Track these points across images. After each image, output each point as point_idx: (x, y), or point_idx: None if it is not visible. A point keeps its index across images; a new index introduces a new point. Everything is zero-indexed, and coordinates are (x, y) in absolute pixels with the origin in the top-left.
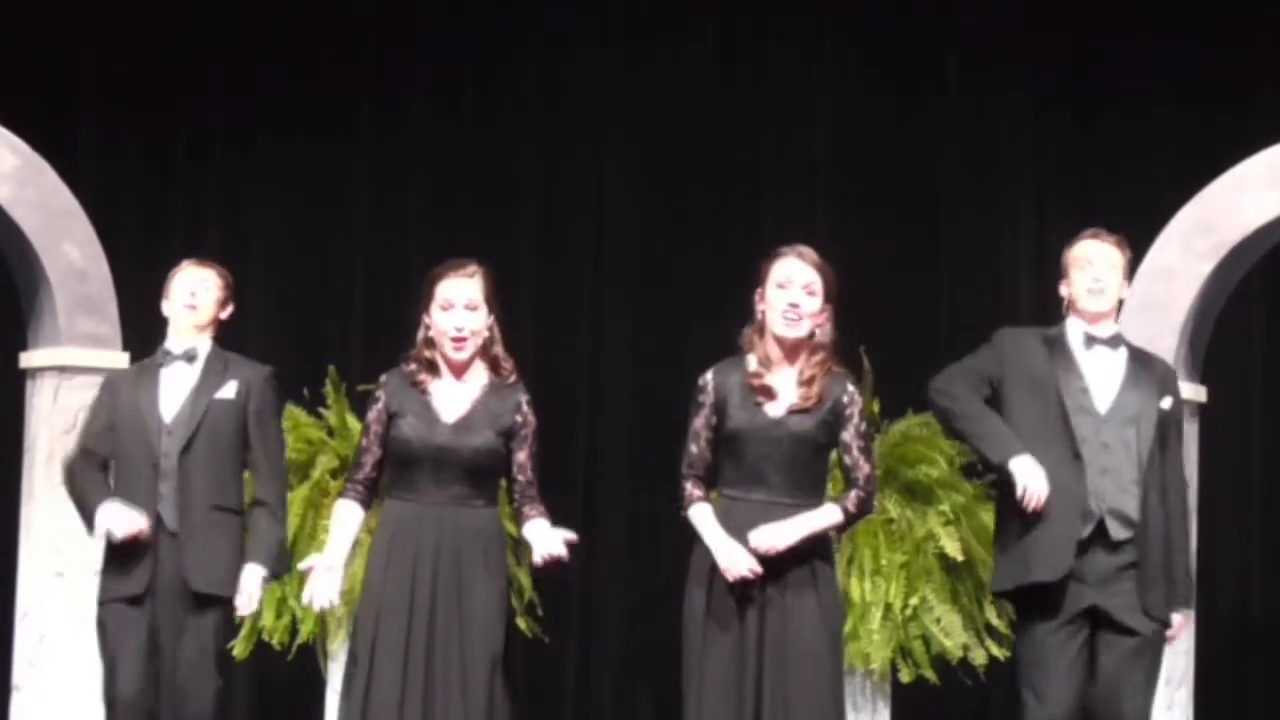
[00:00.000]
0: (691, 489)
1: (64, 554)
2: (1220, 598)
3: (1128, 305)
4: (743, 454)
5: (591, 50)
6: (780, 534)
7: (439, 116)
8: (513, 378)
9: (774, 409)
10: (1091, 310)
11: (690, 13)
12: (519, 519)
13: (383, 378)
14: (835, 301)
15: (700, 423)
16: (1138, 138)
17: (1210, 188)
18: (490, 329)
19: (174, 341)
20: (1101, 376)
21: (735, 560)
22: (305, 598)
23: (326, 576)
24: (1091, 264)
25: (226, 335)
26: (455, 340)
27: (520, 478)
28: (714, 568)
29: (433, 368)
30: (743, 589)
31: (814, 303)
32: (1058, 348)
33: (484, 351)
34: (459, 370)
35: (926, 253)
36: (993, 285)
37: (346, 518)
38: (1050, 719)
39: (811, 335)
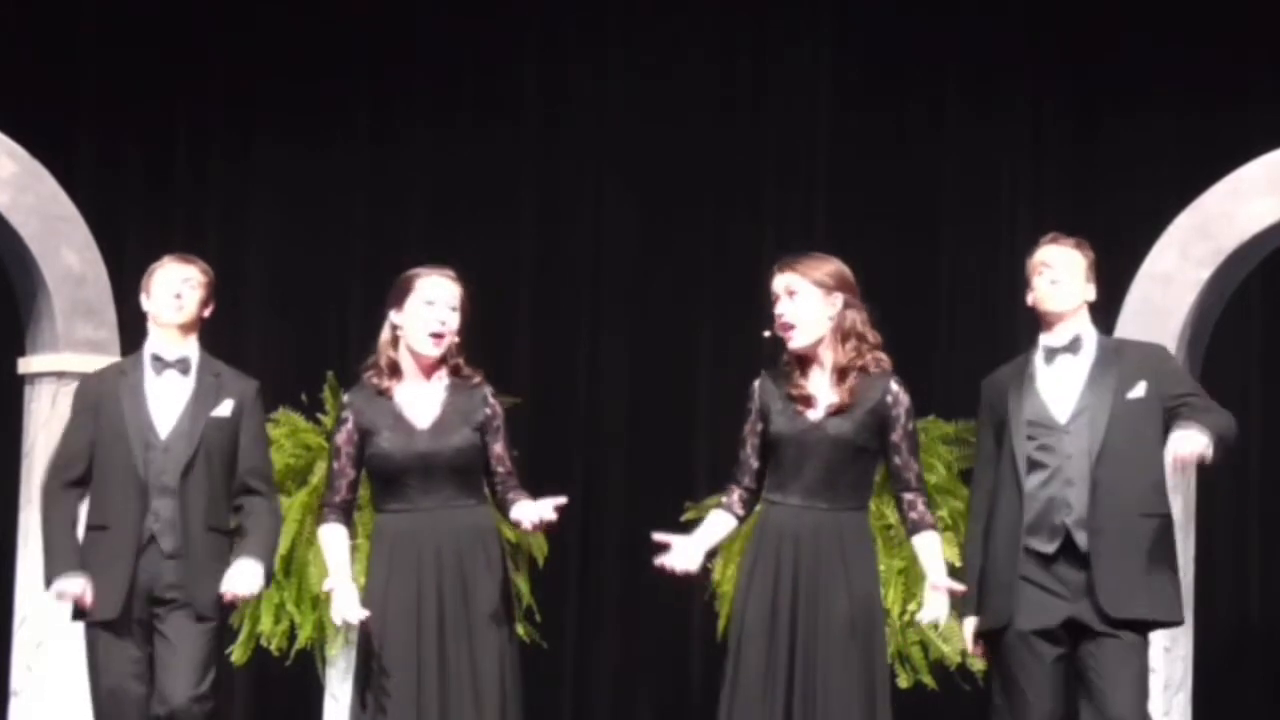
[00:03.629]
0: (723, 498)
1: None
2: (1219, 602)
3: (1126, 310)
4: (782, 458)
5: (590, 55)
6: (942, 589)
7: (437, 122)
8: (477, 379)
9: (813, 414)
10: (1051, 309)
11: (690, 18)
12: (504, 509)
13: (345, 398)
14: (848, 288)
15: (748, 428)
16: (1136, 143)
17: (1208, 194)
18: (458, 336)
19: (162, 346)
20: (1063, 386)
21: (678, 559)
22: (336, 619)
23: (347, 594)
24: (1049, 266)
25: (226, 344)
26: (435, 335)
27: (500, 469)
28: (753, 566)
29: (396, 370)
30: (777, 584)
31: (800, 302)
32: (1020, 373)
33: (444, 359)
34: (427, 371)
35: (926, 259)
36: (992, 291)
37: (336, 539)
38: None
39: (828, 330)
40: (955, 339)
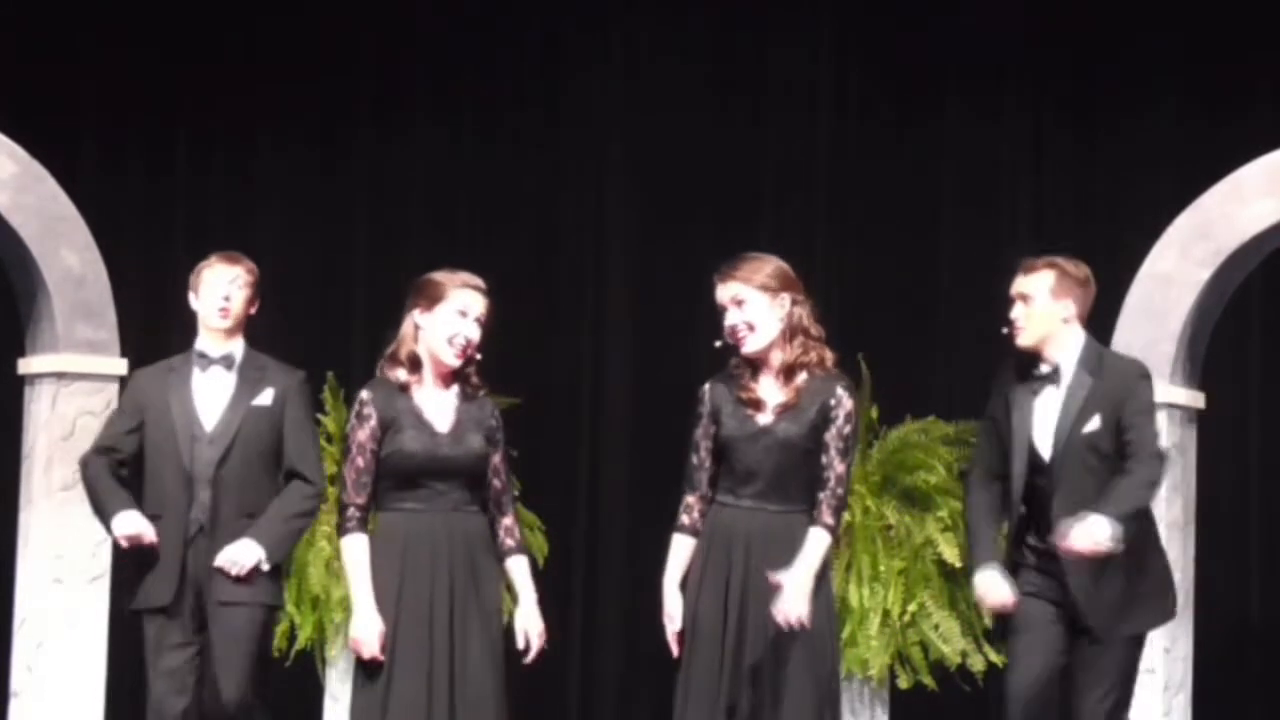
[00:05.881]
0: (681, 514)
1: (62, 560)
2: (1219, 603)
3: (1126, 310)
4: (734, 461)
5: (591, 61)
6: (799, 595)
7: (439, 126)
8: (483, 391)
9: (763, 417)
10: (1021, 345)
11: (690, 24)
12: (494, 535)
13: (365, 394)
14: (791, 287)
15: (699, 433)
16: (1136, 144)
17: (1208, 194)
18: None
19: (208, 344)
20: (1046, 420)
21: (668, 616)
22: (359, 649)
23: (373, 625)
24: (1016, 300)
25: None
26: (462, 349)
27: (496, 482)
28: (704, 567)
29: (417, 366)
30: (727, 584)
31: (747, 310)
32: (1016, 385)
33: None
34: (445, 379)
35: (926, 260)
36: (991, 293)
37: (361, 554)
38: (1015, 684)
39: (777, 331)
40: (955, 339)
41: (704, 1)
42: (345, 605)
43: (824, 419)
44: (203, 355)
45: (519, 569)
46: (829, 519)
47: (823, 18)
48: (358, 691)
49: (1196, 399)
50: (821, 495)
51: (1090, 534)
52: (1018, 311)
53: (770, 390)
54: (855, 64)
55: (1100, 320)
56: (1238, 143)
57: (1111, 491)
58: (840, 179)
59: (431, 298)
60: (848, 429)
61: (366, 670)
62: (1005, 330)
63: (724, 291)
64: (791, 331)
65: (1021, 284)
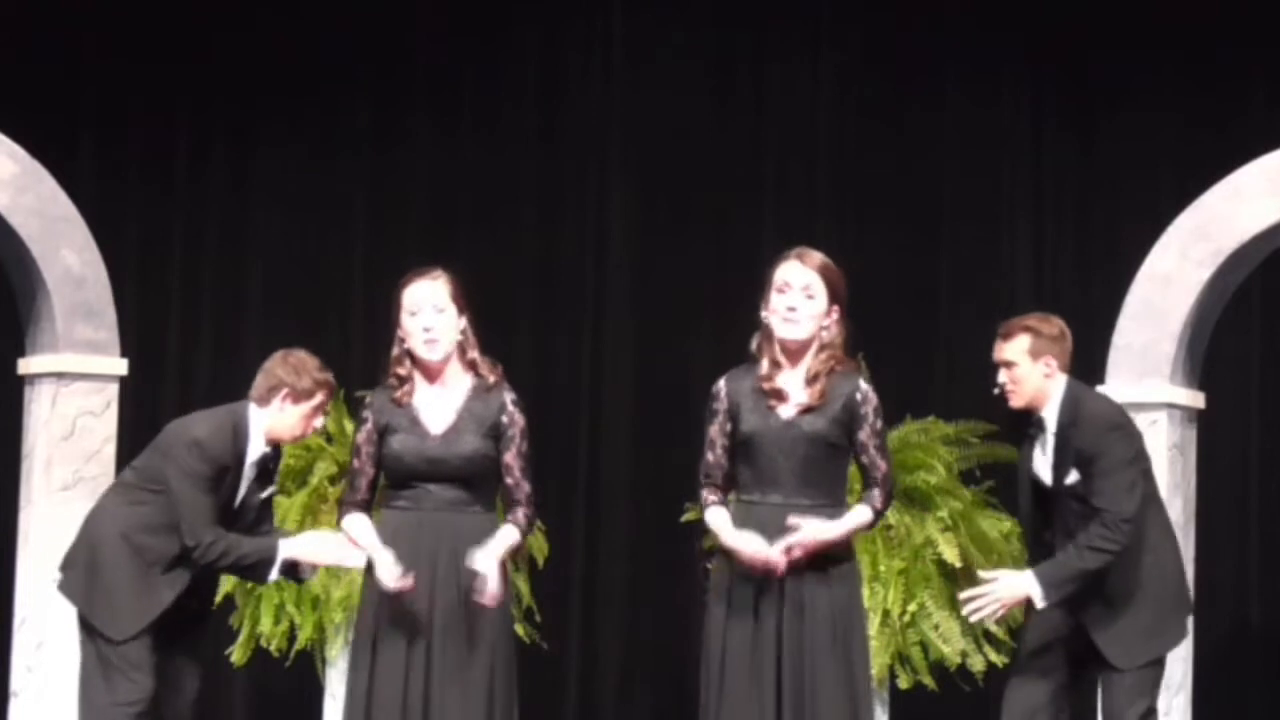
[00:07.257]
0: (707, 495)
1: None
2: (1219, 603)
3: (1126, 311)
4: (757, 457)
5: (591, 61)
6: (823, 529)
7: (438, 123)
8: (494, 378)
9: (785, 411)
10: (1015, 407)
11: (690, 21)
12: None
13: (368, 398)
14: (843, 303)
15: (715, 430)
16: (1136, 144)
17: (1208, 195)
18: (464, 332)
19: (266, 442)
20: (1040, 460)
21: (756, 551)
22: (386, 582)
23: (387, 561)
24: (997, 368)
25: (226, 343)
26: (427, 342)
27: (507, 480)
28: (732, 582)
29: (409, 381)
30: (760, 594)
31: (813, 305)
32: (1021, 433)
33: (461, 355)
34: (436, 374)
35: (925, 261)
36: (991, 294)
37: (361, 523)
38: (1010, 700)
39: (817, 337)
40: (955, 339)
41: None
42: (345, 605)
43: (850, 415)
44: (262, 460)
45: (502, 531)
46: (879, 504)
47: (823, 15)
48: (348, 683)
49: (1196, 399)
50: (876, 489)
51: (1012, 589)
52: (1003, 377)
53: (793, 386)
54: (855, 63)
55: (1100, 320)
56: (1238, 143)
57: (1061, 557)
58: (840, 178)
59: (395, 308)
60: (879, 424)
61: (354, 666)
62: (996, 391)
63: (800, 275)
64: (826, 344)
65: (1001, 351)
